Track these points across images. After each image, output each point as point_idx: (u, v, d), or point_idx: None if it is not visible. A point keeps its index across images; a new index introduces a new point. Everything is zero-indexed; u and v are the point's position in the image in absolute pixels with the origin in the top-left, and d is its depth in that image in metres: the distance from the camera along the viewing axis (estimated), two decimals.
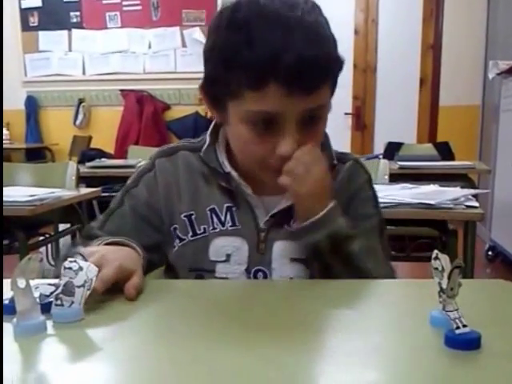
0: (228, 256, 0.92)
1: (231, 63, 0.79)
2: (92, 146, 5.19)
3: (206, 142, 0.96)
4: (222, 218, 0.93)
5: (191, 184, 0.95)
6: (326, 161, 0.90)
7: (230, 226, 0.93)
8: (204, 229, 0.94)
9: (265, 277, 0.92)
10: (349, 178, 0.97)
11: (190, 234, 0.94)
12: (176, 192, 0.96)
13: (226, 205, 0.94)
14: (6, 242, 2.21)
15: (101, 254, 0.77)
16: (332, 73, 0.85)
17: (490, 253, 3.82)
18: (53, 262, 2.71)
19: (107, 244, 0.86)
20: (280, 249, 0.93)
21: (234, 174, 0.93)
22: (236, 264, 0.92)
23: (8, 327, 0.63)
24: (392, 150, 3.37)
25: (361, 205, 0.98)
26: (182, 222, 0.94)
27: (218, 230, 0.93)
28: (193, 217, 0.94)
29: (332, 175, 0.92)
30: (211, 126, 0.97)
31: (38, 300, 0.67)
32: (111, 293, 0.74)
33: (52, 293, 0.69)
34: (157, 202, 0.96)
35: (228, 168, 0.93)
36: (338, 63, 0.85)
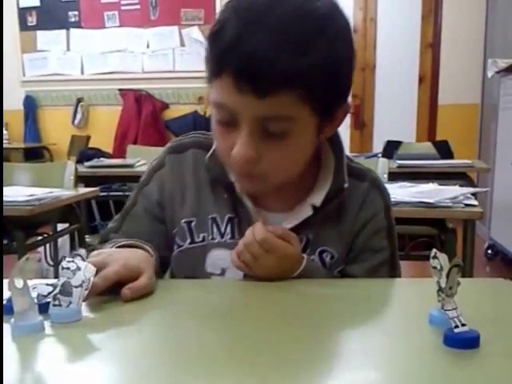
0: (223, 270, 0.90)
1: (207, 50, 0.78)
2: (90, 145, 5.18)
3: (212, 149, 0.91)
4: (222, 229, 0.90)
5: (197, 188, 0.93)
6: (296, 246, 0.84)
7: (229, 239, 0.90)
8: (203, 237, 0.91)
9: None
10: (363, 203, 0.91)
11: (189, 240, 0.92)
12: (180, 196, 0.93)
13: (228, 215, 0.90)
14: (4, 241, 2.21)
15: (107, 254, 0.77)
16: (300, 83, 0.73)
17: (489, 251, 3.83)
18: (51, 262, 2.71)
19: (120, 246, 0.85)
20: None
21: (238, 186, 0.88)
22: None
23: (6, 327, 0.63)
24: (391, 148, 3.36)
25: (372, 236, 0.92)
26: (182, 228, 0.92)
27: (216, 240, 0.90)
28: (192, 224, 0.92)
29: (340, 196, 0.88)
30: None
31: (35, 300, 0.67)
32: (109, 293, 0.74)
33: (50, 293, 0.69)
34: (165, 202, 0.95)
35: (233, 177, 0.88)
36: (318, 76, 0.73)
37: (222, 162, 0.86)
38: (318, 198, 0.88)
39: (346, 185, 0.88)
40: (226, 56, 0.73)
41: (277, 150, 0.78)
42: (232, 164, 0.80)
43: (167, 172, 0.95)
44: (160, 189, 0.95)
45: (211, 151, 0.90)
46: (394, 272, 0.94)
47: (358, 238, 0.91)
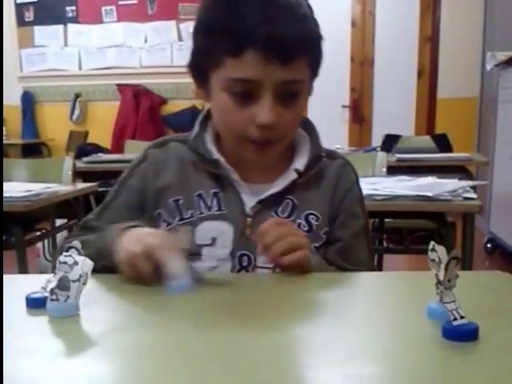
0: (213, 239, 0.94)
1: (213, 32, 0.86)
2: (89, 140, 5.18)
3: (195, 132, 0.99)
4: (209, 203, 0.96)
5: (181, 171, 0.99)
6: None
7: (216, 211, 0.95)
8: (191, 214, 0.96)
9: (249, 262, 0.93)
10: (339, 175, 1.00)
11: (178, 218, 0.96)
12: (166, 178, 0.98)
13: (212, 190, 0.96)
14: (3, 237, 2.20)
15: (137, 241, 0.79)
16: (309, 48, 0.87)
17: (488, 245, 3.83)
18: (50, 258, 2.71)
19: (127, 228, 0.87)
20: None
21: (222, 160, 0.95)
22: (221, 247, 0.94)
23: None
24: (390, 142, 3.36)
25: (352, 204, 1.01)
26: (170, 207, 0.97)
27: (204, 214, 0.95)
28: (180, 202, 0.96)
29: (320, 163, 0.98)
30: (201, 116, 1.01)
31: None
32: (107, 287, 0.74)
33: None
34: (147, 189, 0.99)
35: (216, 155, 0.96)
36: (315, 40, 0.89)
37: (235, 135, 0.92)
38: (300, 164, 0.97)
39: (322, 153, 0.99)
40: (252, 33, 0.82)
41: (290, 113, 0.89)
42: (252, 133, 0.88)
43: (150, 162, 1.01)
44: (142, 179, 1.00)
45: (195, 133, 0.99)
46: (367, 237, 1.03)
47: (344, 203, 0.99)
